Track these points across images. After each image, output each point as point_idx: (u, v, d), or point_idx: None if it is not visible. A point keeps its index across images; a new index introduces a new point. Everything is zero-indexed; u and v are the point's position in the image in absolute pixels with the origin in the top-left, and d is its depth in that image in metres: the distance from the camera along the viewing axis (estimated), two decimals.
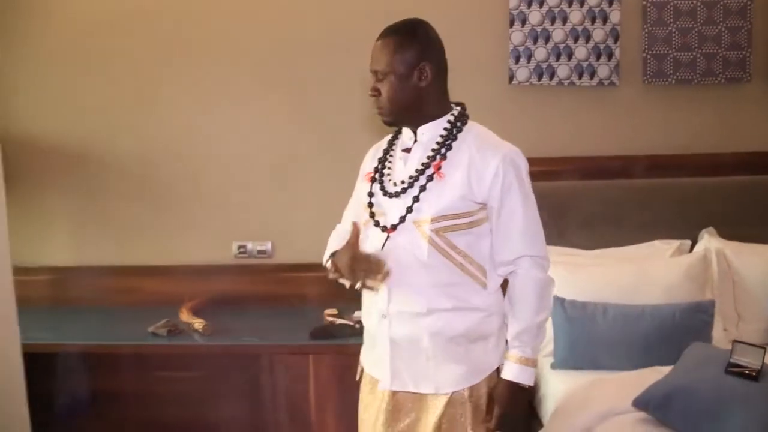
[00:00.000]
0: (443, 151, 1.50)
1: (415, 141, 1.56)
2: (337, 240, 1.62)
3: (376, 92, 1.52)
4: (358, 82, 2.73)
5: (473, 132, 1.55)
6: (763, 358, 1.71)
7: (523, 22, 2.72)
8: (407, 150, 1.57)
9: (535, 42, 2.73)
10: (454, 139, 1.52)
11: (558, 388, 2.15)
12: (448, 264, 1.48)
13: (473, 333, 1.51)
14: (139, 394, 2.82)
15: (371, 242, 1.55)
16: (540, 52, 2.73)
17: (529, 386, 1.51)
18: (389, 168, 1.58)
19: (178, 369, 2.79)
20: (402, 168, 1.56)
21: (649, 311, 2.23)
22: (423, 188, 1.49)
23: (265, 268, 2.84)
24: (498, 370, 1.53)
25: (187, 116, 2.83)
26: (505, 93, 2.77)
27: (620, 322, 2.23)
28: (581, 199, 2.70)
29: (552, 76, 2.75)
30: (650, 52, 2.73)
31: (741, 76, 2.73)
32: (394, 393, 1.53)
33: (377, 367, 1.57)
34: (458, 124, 1.54)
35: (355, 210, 1.68)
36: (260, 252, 2.85)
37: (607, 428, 1.75)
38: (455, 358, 1.49)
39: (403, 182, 1.52)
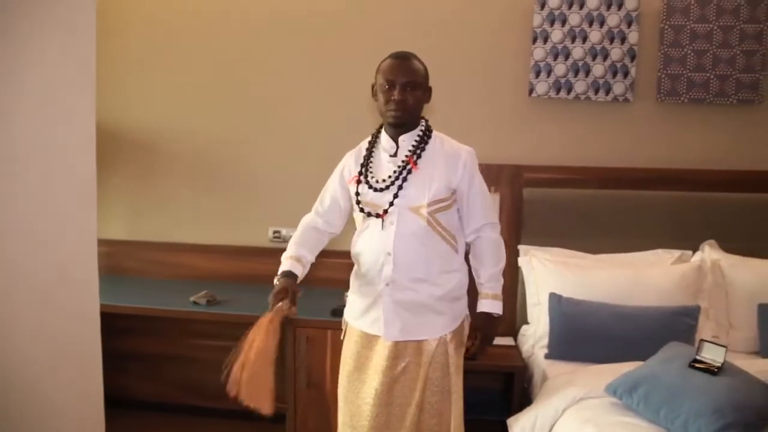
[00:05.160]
0: (417, 152, 1.94)
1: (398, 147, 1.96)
2: (299, 240, 2.06)
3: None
4: None
5: (439, 138, 1.99)
6: (725, 355, 1.90)
7: (545, 39, 2.93)
8: (394, 155, 1.96)
9: (555, 58, 2.94)
10: (426, 143, 1.95)
11: (548, 375, 2.36)
12: (437, 237, 1.92)
13: (456, 291, 1.96)
14: (175, 356, 3.18)
15: (372, 229, 1.93)
16: (559, 68, 2.94)
17: (499, 315, 1.97)
18: (372, 170, 1.97)
19: (211, 337, 3.14)
20: (389, 168, 1.95)
21: (639, 312, 2.42)
22: (405, 179, 1.91)
23: None
24: (466, 316, 2.01)
25: (232, 112, 3.16)
26: (525, 104, 2.99)
27: (611, 320, 2.42)
28: (591, 206, 2.89)
29: (570, 90, 2.94)
30: (665, 71, 2.90)
31: (753, 98, 2.87)
32: (395, 343, 1.91)
33: (377, 324, 1.94)
34: (429, 132, 1.99)
35: (330, 205, 2.07)
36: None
37: (579, 409, 1.97)
38: (442, 311, 1.94)
39: (387, 178, 1.92)
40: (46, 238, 1.57)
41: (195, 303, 2.75)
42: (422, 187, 1.90)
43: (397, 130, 1.94)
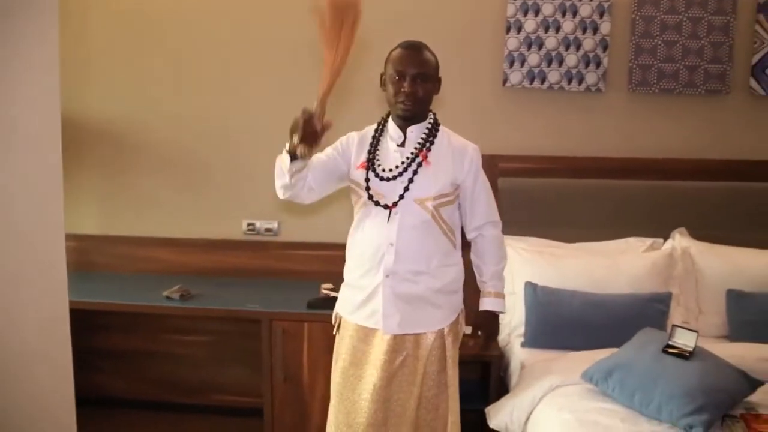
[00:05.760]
0: (427, 145, 1.92)
1: (406, 137, 1.93)
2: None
3: None
4: (374, 76, 2.97)
5: (446, 132, 1.98)
6: (696, 340, 1.94)
7: (519, 29, 2.94)
8: (402, 144, 1.92)
9: (529, 48, 2.95)
10: (435, 136, 1.93)
11: (525, 363, 2.39)
12: (438, 231, 1.91)
13: (453, 285, 1.96)
14: (149, 352, 3.12)
15: (374, 219, 1.90)
16: (533, 58, 2.95)
17: (502, 312, 2.02)
18: (378, 158, 1.93)
19: (187, 332, 3.09)
20: (396, 158, 1.91)
21: (612, 299, 2.45)
22: (415, 172, 1.88)
23: (271, 245, 3.10)
24: (462, 310, 2.00)
25: (205, 103, 3.10)
26: (499, 94, 2.99)
27: (586, 307, 2.46)
28: (566, 195, 2.91)
29: (543, 80, 2.96)
30: (636, 62, 2.93)
31: (720, 89, 2.92)
32: (394, 337, 1.88)
33: (374, 318, 1.90)
34: (437, 126, 1.97)
35: (321, 163, 1.93)
36: (267, 230, 3.11)
37: (555, 396, 2.00)
38: (439, 304, 1.92)
39: (395, 168, 1.89)
40: (11, 231, 1.52)
41: (168, 298, 2.70)
42: (429, 180, 1.89)
43: (406, 121, 1.91)
